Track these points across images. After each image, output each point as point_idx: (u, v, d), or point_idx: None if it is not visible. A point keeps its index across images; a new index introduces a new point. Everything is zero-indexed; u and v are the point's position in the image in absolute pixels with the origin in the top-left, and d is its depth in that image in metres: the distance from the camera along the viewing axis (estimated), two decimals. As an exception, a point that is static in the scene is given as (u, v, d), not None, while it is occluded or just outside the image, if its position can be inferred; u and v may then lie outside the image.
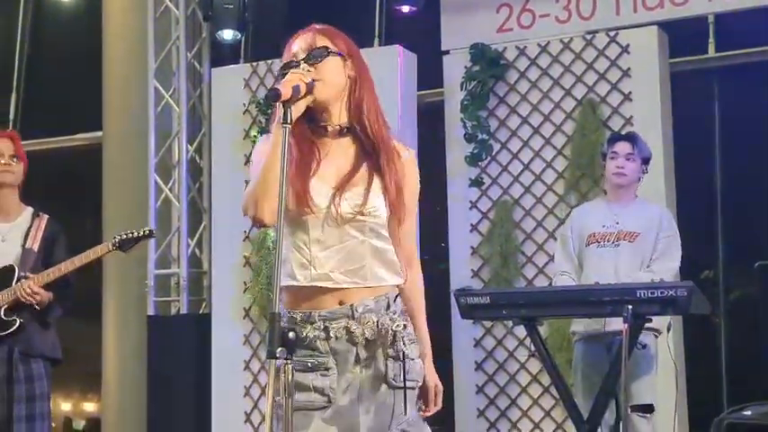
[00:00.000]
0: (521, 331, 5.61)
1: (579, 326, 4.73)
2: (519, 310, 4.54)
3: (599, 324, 4.61)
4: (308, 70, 2.61)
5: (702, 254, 4.87)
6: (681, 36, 6.20)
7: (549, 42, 6.16)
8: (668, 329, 4.64)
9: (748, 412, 2.67)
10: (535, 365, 5.90)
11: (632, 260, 4.66)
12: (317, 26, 2.73)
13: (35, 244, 4.34)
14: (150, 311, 6.85)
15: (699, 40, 6.32)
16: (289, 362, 2.44)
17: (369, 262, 2.64)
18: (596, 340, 4.61)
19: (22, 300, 4.17)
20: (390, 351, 2.63)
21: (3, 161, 4.35)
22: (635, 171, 4.79)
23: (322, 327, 2.63)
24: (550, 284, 5.92)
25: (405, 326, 2.66)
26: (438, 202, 6.46)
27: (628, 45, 5.96)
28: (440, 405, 2.77)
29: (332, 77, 2.64)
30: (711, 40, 6.28)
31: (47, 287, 4.23)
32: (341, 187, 2.64)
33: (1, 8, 8.79)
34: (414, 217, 2.78)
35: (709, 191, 6.45)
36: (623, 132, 5.76)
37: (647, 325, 4.44)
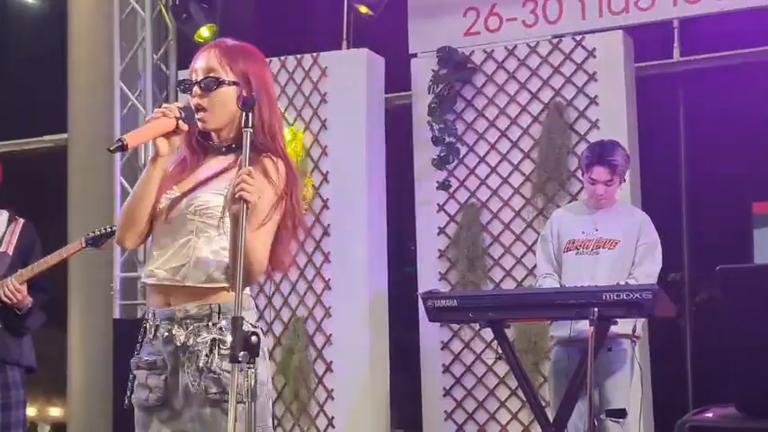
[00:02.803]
0: (488, 334, 5.63)
1: (558, 330, 4.73)
2: (486, 313, 4.55)
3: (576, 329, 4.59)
4: (198, 95, 2.67)
5: (668, 257, 4.89)
6: (646, 40, 6.24)
7: (516, 46, 6.18)
8: (633, 332, 4.66)
9: (710, 414, 2.69)
10: (502, 368, 5.92)
11: (613, 268, 4.67)
12: (223, 44, 2.74)
13: (9, 248, 4.29)
14: (116, 315, 6.80)
15: (664, 44, 6.36)
16: (251, 366, 2.45)
17: (192, 261, 2.65)
18: (573, 345, 4.61)
19: (4, 299, 4.11)
20: (204, 362, 2.62)
21: None
22: (615, 191, 4.79)
23: (154, 326, 2.69)
24: (518, 287, 5.97)
25: (224, 341, 2.61)
26: (405, 205, 6.47)
27: (594, 49, 5.99)
28: None
29: (221, 108, 2.69)
30: (676, 44, 6.33)
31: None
32: (189, 190, 2.68)
33: (-35, 10, 8.71)
34: (268, 224, 2.65)
35: (674, 194, 6.49)
36: (590, 138, 5.80)
37: (622, 331, 4.46)
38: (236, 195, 2.50)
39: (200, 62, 2.71)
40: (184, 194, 2.68)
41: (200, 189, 2.68)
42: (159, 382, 2.67)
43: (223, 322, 2.63)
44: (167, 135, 2.64)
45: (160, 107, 2.70)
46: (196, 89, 2.68)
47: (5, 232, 4.32)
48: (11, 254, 4.28)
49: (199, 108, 2.68)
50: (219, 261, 2.66)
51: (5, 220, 4.37)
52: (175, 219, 2.67)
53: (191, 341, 2.64)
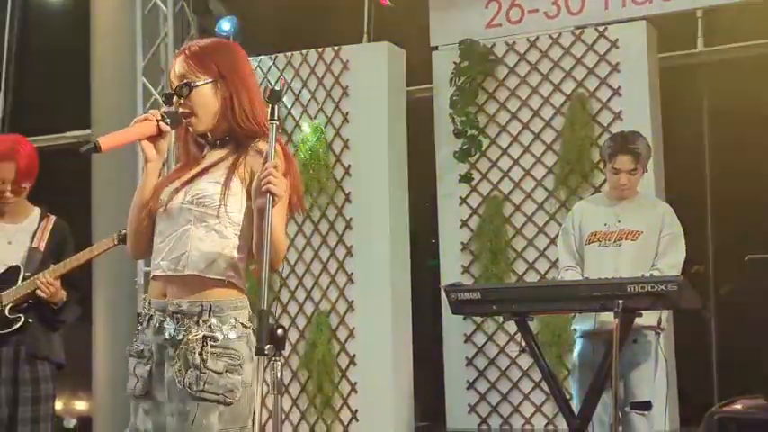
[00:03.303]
0: (511, 326, 5.61)
1: (582, 323, 4.71)
2: (509, 306, 4.53)
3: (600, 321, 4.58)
4: (179, 103, 2.71)
5: (692, 248, 4.85)
6: (669, 31, 6.21)
7: (538, 38, 6.16)
8: (659, 324, 4.64)
9: (738, 406, 2.67)
10: (526, 360, 5.91)
11: (636, 259, 4.63)
12: (189, 48, 2.77)
13: (41, 244, 4.30)
14: (140, 309, 6.82)
15: (687, 34, 6.32)
16: (277, 359, 2.46)
17: (189, 250, 2.66)
18: (597, 337, 4.59)
19: (40, 291, 4.14)
20: (192, 359, 2.62)
21: (2, 187, 4.25)
22: (638, 181, 4.74)
23: (148, 316, 2.71)
24: (542, 279, 5.95)
25: (213, 338, 2.61)
26: (427, 198, 6.46)
27: (617, 40, 5.96)
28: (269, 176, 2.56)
29: (203, 110, 2.72)
30: (700, 34, 6.28)
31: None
32: (186, 182, 2.71)
33: (-12, 7, 8.75)
34: (278, 204, 2.59)
35: (698, 184, 6.46)
36: (613, 129, 5.77)
37: (647, 323, 4.44)
38: (263, 189, 2.50)
39: (174, 72, 2.75)
40: (182, 185, 2.72)
41: (197, 179, 2.71)
42: (144, 372, 2.69)
43: (213, 320, 2.63)
44: (150, 139, 2.68)
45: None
46: (176, 99, 2.72)
47: (37, 229, 4.34)
48: (42, 250, 4.30)
49: (185, 114, 2.72)
50: (219, 252, 2.66)
51: (37, 217, 4.38)
52: (174, 210, 2.70)
53: (180, 336, 2.64)
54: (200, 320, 2.64)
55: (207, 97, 2.72)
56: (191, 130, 2.74)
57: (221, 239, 2.66)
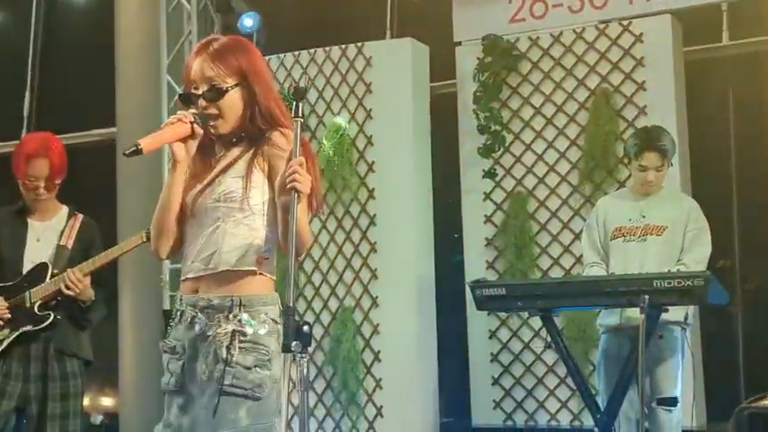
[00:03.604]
0: (536, 322, 5.61)
1: (607, 318, 4.69)
2: (535, 302, 4.53)
3: (626, 317, 4.56)
4: (206, 106, 2.71)
5: (718, 243, 4.82)
6: (694, 24, 6.17)
7: (561, 32, 6.14)
8: (685, 319, 4.62)
9: (768, 402, 2.65)
10: (551, 356, 5.89)
11: (661, 254, 4.61)
12: (211, 47, 2.76)
13: (69, 242, 4.34)
14: (166, 306, 6.87)
15: (712, 28, 6.28)
16: (304, 355, 2.47)
17: (221, 247, 2.68)
18: (622, 333, 4.57)
19: (66, 289, 4.17)
20: (221, 353, 2.64)
21: (36, 183, 4.29)
22: (664, 176, 4.72)
23: (180, 312, 2.73)
24: (566, 275, 5.93)
25: (242, 333, 2.63)
26: (451, 193, 6.45)
27: (641, 34, 5.94)
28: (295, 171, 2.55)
29: (231, 111, 2.74)
30: (725, 28, 6.24)
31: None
32: (209, 182, 2.72)
33: (14, 7, 8.81)
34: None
35: (724, 179, 6.41)
36: (637, 124, 5.75)
37: (673, 318, 4.42)
38: (288, 186, 2.51)
39: (196, 72, 2.74)
40: (205, 186, 2.73)
41: (220, 177, 2.72)
42: (177, 367, 2.71)
43: (243, 315, 2.65)
44: (183, 140, 2.69)
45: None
46: (201, 102, 2.72)
47: (65, 227, 4.38)
48: (70, 248, 4.33)
49: (211, 117, 2.72)
50: (250, 243, 2.68)
51: (65, 215, 4.42)
52: (200, 210, 2.72)
53: (209, 331, 2.66)
54: (231, 315, 2.66)
55: (235, 99, 2.73)
56: (212, 131, 2.74)
57: (251, 231, 2.69)
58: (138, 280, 7.00)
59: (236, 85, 2.73)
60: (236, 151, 2.76)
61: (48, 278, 4.24)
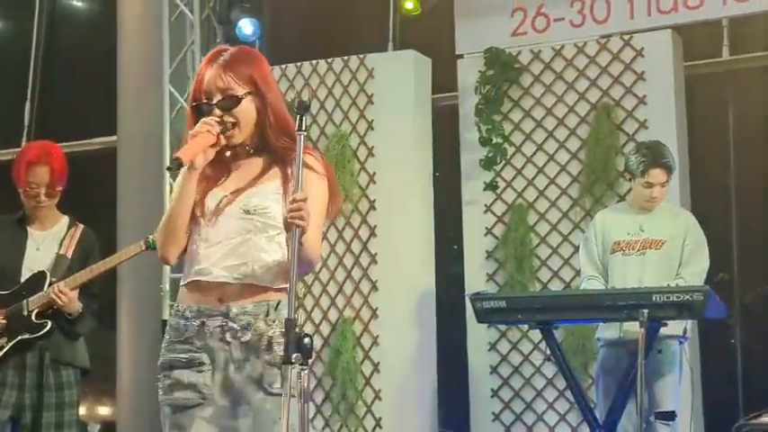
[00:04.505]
0: (536, 335, 5.62)
1: (606, 332, 4.70)
2: (535, 315, 4.55)
3: (624, 330, 4.57)
4: (221, 116, 2.72)
5: (717, 256, 4.84)
6: (695, 39, 6.19)
7: (563, 46, 6.16)
8: (684, 333, 4.63)
9: (767, 419, 2.66)
10: (550, 369, 5.90)
11: (660, 268, 4.63)
12: (224, 57, 2.77)
13: (69, 251, 4.35)
14: (165, 316, 6.86)
15: (713, 43, 6.30)
16: (304, 367, 2.48)
17: (252, 260, 2.69)
18: (621, 346, 4.58)
19: (53, 299, 4.17)
20: (267, 357, 2.66)
21: (37, 190, 4.30)
22: (666, 191, 4.75)
23: (199, 322, 2.69)
24: (566, 288, 5.95)
25: (281, 333, 2.62)
26: (452, 205, 6.47)
27: (642, 48, 5.96)
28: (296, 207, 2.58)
29: (246, 120, 2.76)
30: (726, 43, 6.27)
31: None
32: (236, 191, 2.73)
33: (15, 15, 8.82)
34: (316, 220, 2.69)
35: (723, 193, 6.43)
36: (638, 138, 5.76)
37: (671, 332, 4.43)
38: (289, 221, 2.55)
39: (209, 82, 2.75)
40: (234, 195, 2.73)
41: (251, 190, 2.73)
42: (202, 379, 2.67)
43: (279, 317, 2.67)
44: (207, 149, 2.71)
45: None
46: (216, 111, 2.73)
47: (65, 236, 4.38)
48: (69, 257, 4.34)
49: (227, 125, 2.73)
50: (279, 261, 2.70)
51: (66, 224, 4.43)
52: (225, 218, 2.71)
53: (247, 337, 2.66)
54: (268, 320, 2.68)
55: (249, 108, 2.75)
56: (226, 141, 2.75)
57: (281, 249, 2.71)
58: (137, 289, 7.00)
59: (249, 93, 2.75)
60: (257, 162, 2.78)
61: (45, 287, 4.24)
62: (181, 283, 2.79)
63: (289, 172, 2.73)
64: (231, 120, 2.73)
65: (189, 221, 2.74)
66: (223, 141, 2.72)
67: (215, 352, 2.69)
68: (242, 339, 2.67)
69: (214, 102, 2.74)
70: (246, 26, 6.92)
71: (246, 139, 2.78)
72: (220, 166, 2.78)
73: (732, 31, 6.28)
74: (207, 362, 2.68)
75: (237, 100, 2.73)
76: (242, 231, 2.70)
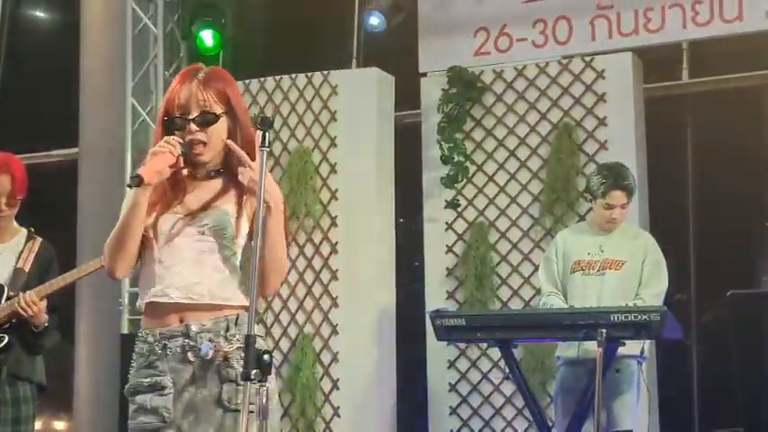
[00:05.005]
0: (495, 353, 5.63)
1: (565, 350, 4.72)
2: (494, 333, 4.57)
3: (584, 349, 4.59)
4: (196, 130, 2.72)
5: (675, 277, 4.90)
6: (655, 62, 6.27)
7: (525, 66, 6.21)
8: (641, 353, 4.67)
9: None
10: (509, 387, 5.92)
11: (619, 288, 4.67)
12: (200, 74, 2.78)
13: (26, 264, 4.30)
14: (124, 330, 6.81)
15: (673, 66, 6.39)
16: (263, 384, 2.48)
17: (206, 279, 2.70)
18: (580, 365, 4.61)
19: (20, 311, 4.12)
20: (224, 373, 2.66)
21: None
22: (627, 213, 4.80)
23: (161, 345, 2.70)
24: (526, 306, 5.98)
25: (239, 348, 2.64)
26: (413, 222, 6.48)
27: (603, 70, 6.02)
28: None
29: (217, 140, 2.76)
30: (685, 66, 6.35)
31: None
32: (190, 213, 2.73)
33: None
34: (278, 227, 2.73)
35: (681, 214, 6.51)
36: (598, 159, 5.82)
37: (629, 352, 4.47)
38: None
39: (186, 98, 2.74)
40: (190, 216, 2.73)
41: (208, 210, 2.73)
42: (164, 402, 2.68)
43: (238, 333, 2.67)
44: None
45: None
46: (191, 127, 2.72)
47: (23, 250, 4.34)
48: (27, 271, 4.30)
49: (197, 143, 2.73)
50: (237, 280, 2.73)
51: (24, 237, 4.38)
52: (181, 239, 2.72)
53: (209, 354, 2.66)
54: (228, 335, 2.68)
55: (222, 128, 2.75)
56: (194, 159, 2.74)
57: (234, 268, 2.73)
58: (95, 303, 6.93)
59: (225, 113, 2.75)
60: (215, 184, 2.78)
61: (2, 300, 4.20)
62: (137, 303, 2.79)
63: (245, 198, 2.74)
64: (203, 138, 2.73)
65: (142, 244, 2.73)
66: (181, 164, 2.72)
67: (178, 372, 2.69)
68: (203, 357, 2.67)
69: (191, 117, 2.73)
70: (208, 38, 6.90)
71: (213, 158, 2.78)
72: (176, 188, 2.77)
73: (692, 54, 6.38)
74: (169, 385, 2.69)
75: (215, 117, 2.74)
76: (195, 253, 2.71)
